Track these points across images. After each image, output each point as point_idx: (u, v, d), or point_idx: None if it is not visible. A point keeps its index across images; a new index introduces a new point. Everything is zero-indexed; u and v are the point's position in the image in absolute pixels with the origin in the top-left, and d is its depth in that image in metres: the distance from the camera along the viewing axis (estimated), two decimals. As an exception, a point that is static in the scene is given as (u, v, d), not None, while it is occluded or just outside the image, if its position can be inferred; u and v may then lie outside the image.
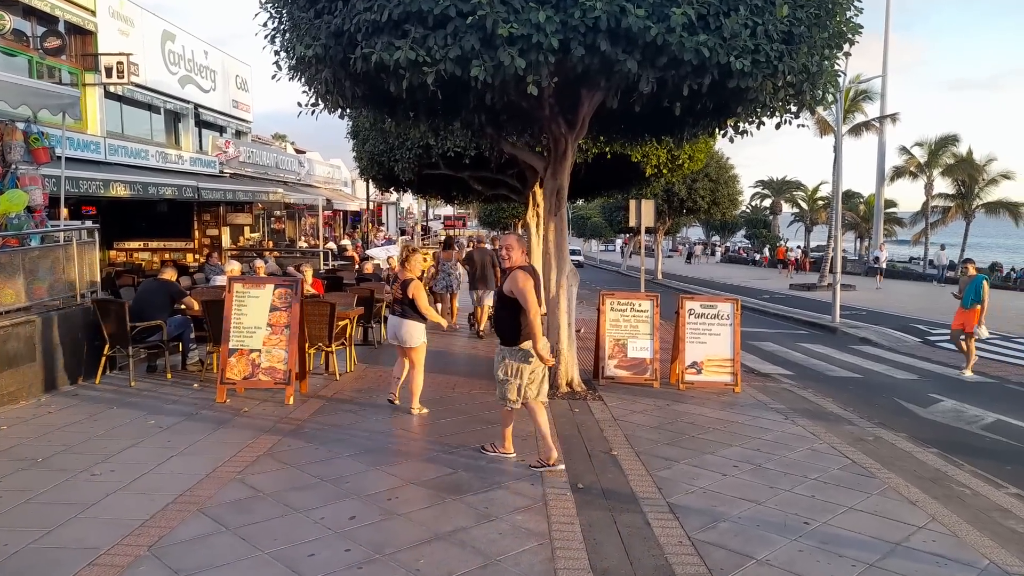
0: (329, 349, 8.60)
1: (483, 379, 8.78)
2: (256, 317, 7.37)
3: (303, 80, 7.35)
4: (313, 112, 8.31)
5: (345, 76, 6.74)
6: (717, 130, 9.20)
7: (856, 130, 30.61)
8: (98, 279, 8.73)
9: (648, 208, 16.50)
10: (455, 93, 7.46)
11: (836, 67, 7.04)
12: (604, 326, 8.99)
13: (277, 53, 7.61)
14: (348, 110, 8.41)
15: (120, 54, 17.82)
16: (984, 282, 11.18)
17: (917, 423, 8.18)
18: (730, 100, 7.41)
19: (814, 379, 10.73)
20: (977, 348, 11.64)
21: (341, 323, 8.87)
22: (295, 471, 5.22)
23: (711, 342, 8.86)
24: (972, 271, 11.63)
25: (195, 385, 8.00)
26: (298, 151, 35.70)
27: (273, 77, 7.98)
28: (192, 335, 8.74)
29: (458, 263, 14.50)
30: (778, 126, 7.79)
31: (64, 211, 15.26)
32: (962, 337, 11.43)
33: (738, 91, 6.50)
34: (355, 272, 16.31)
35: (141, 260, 19.17)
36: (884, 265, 32.32)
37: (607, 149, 13.79)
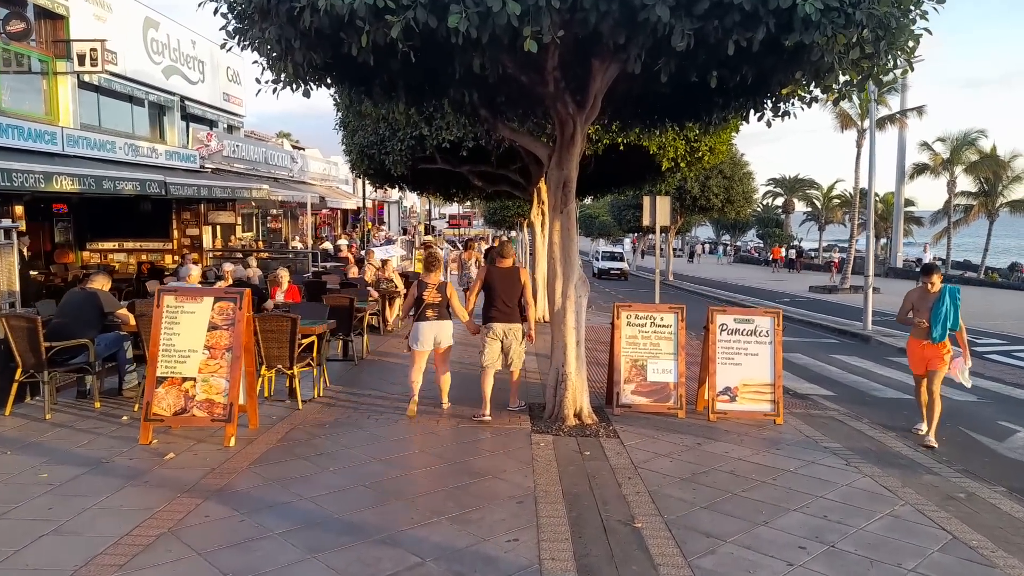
0: (290, 372, 7.20)
1: (478, 403, 7.37)
2: (191, 338, 5.97)
3: (247, 44, 5.95)
4: (274, 91, 6.90)
5: (295, 35, 5.33)
6: (752, 112, 7.70)
7: (880, 123, 28.97)
8: (17, 288, 7.35)
9: (664, 205, 15.04)
10: (436, 60, 6.05)
11: (918, 26, 5.56)
12: (619, 344, 7.55)
13: (222, 15, 6.23)
14: (312, 86, 7.00)
15: (94, 40, 16.49)
16: (959, 296, 7.16)
17: (1000, 464, 6.71)
18: (777, 68, 5.99)
19: (860, 401, 9.26)
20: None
21: (306, 340, 7.47)
22: (198, 563, 3.80)
23: (747, 363, 7.41)
24: (938, 283, 7.20)
25: (124, 418, 6.60)
26: (296, 147, 34.38)
27: (223, 47, 6.59)
28: (129, 354, 7.35)
29: (477, 261, 15.11)
30: (837, 100, 6.36)
31: (18, 208, 13.99)
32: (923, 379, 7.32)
33: (798, 50, 5.05)
34: (347, 276, 14.89)
35: (116, 262, 17.81)
36: None
37: (620, 139, 12.38)
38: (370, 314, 11.91)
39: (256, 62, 6.41)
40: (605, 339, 12.27)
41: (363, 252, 21.84)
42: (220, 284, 10.73)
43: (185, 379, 5.92)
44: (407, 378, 7.35)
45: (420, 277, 7.32)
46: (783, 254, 50.29)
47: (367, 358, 10.23)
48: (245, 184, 17.07)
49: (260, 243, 25.30)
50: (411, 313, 7.24)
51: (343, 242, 26.96)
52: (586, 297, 7.26)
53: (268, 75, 6.83)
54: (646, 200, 15.35)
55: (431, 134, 12.51)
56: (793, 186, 67.32)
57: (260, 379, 7.28)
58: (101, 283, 7.19)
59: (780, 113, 7.35)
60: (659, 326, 7.58)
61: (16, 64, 15.69)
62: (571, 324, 7.08)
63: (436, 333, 7.02)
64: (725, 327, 7.47)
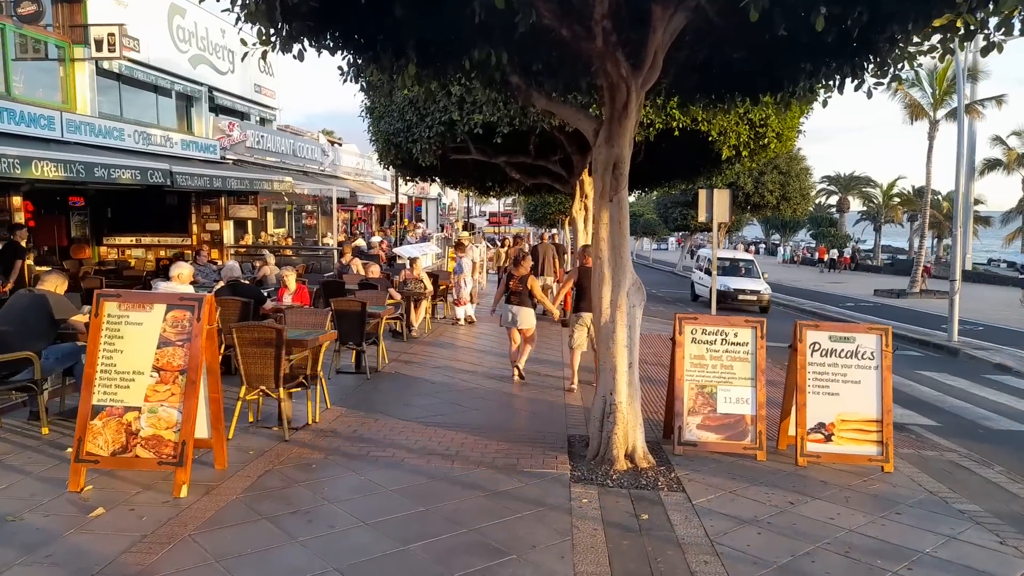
0: (276, 395, 5.89)
1: (506, 434, 5.95)
2: (136, 356, 4.68)
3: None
4: (263, 55, 5.67)
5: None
6: (849, 79, 6.13)
7: (953, 114, 26.69)
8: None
9: (722, 199, 13.41)
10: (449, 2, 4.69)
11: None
12: (682, 365, 6.05)
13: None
14: (305, 45, 5.71)
15: (112, 24, 15.58)
16: None
17: None
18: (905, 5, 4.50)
19: (971, 435, 7.61)
20: None
21: (297, 356, 6.16)
22: None
23: (846, 393, 5.85)
24: None
25: (69, 450, 5.36)
26: (332, 141, 33.43)
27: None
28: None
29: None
30: (986, 50, 4.76)
31: (15, 199, 13.08)
32: None
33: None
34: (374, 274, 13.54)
35: (134, 258, 16.90)
36: None
37: (675, 123, 10.86)
38: (391, 318, 10.62)
39: (226, 10, 5.16)
40: (658, 352, 10.79)
41: (393, 250, 20.61)
42: (221, 284, 9.55)
43: (128, 409, 4.64)
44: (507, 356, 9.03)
45: (508, 269, 8.97)
46: (828, 254, 48.80)
47: (383, 371, 8.91)
48: (266, 176, 15.94)
49: (288, 239, 24.35)
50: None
51: (376, 239, 25.88)
52: (641, 307, 5.79)
53: (250, 36, 5.68)
54: (702, 194, 13.73)
55: (462, 118, 11.20)
56: (848, 184, 64.42)
57: (240, 402, 6.00)
58: (54, 284, 5.99)
59: (890, 77, 5.81)
60: (733, 344, 6.06)
61: (32, 50, 14.89)
62: (622, 341, 5.62)
63: (516, 314, 8.51)
64: (818, 347, 5.91)
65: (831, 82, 6.32)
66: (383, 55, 5.95)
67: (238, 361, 5.80)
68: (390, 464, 5.35)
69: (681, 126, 10.85)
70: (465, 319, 13.62)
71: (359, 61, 6.36)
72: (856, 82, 5.96)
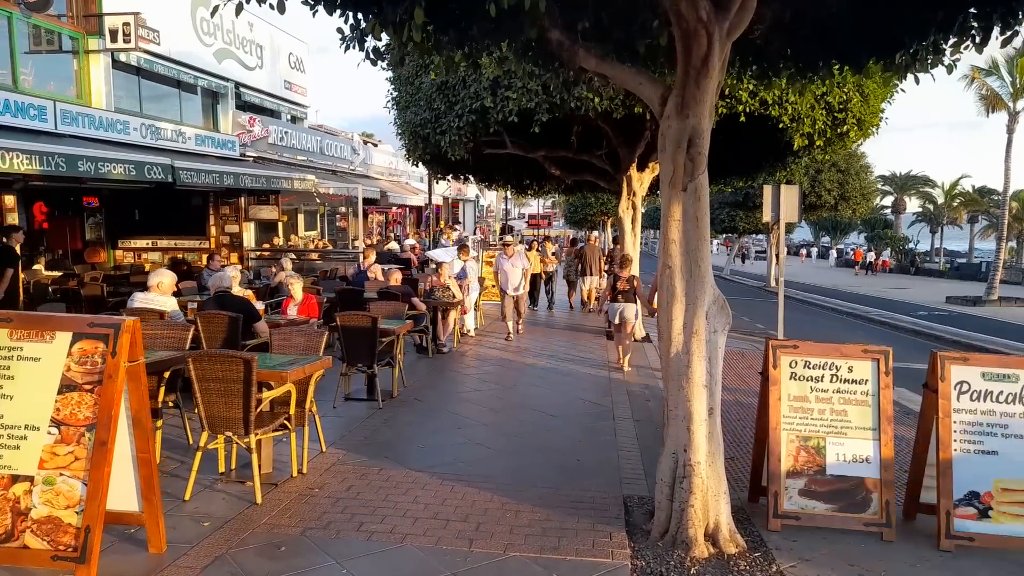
0: (245, 441, 4.56)
1: (542, 492, 4.51)
2: (30, 405, 3.39)
3: None
4: (239, 9, 4.42)
5: None
6: (996, 28, 4.57)
7: (1035, 105, 24.42)
8: None
9: (791, 196, 11.74)
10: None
11: None
12: (778, 410, 4.55)
13: None
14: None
15: (127, 13, 14.61)
16: None
17: None
18: None
19: None
20: None
21: (274, 392, 4.82)
22: None
23: (1008, 451, 4.28)
24: None
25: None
26: (367, 141, 32.44)
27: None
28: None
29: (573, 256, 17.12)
30: None
31: (8, 199, 12.14)
32: None
33: None
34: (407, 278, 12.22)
35: (150, 262, 15.92)
36: None
37: (741, 107, 9.31)
38: (412, 331, 9.30)
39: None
40: (729, 376, 9.00)
41: (426, 253, 19.35)
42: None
43: (16, 479, 3.34)
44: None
45: (614, 271, 10.04)
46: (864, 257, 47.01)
47: (400, 397, 7.56)
48: (285, 174, 14.78)
49: (320, 243, 23.32)
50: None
51: (410, 241, 24.72)
52: (725, 333, 4.30)
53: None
54: (767, 190, 12.09)
55: (495, 105, 9.86)
56: (904, 184, 61.33)
57: (200, 451, 4.69)
58: (-26, 298, 4.78)
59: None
60: (847, 382, 4.53)
61: (45, 42, 14.03)
62: (699, 379, 4.15)
63: (621, 311, 9.35)
64: (966, 387, 4.35)
65: (965, 38, 4.74)
66: (388, 8, 4.59)
67: (196, 399, 4.50)
68: (386, 546, 3.96)
69: (748, 110, 9.30)
70: (474, 329, 12.51)
71: (361, 21, 5.03)
72: (1008, 32, 4.42)
